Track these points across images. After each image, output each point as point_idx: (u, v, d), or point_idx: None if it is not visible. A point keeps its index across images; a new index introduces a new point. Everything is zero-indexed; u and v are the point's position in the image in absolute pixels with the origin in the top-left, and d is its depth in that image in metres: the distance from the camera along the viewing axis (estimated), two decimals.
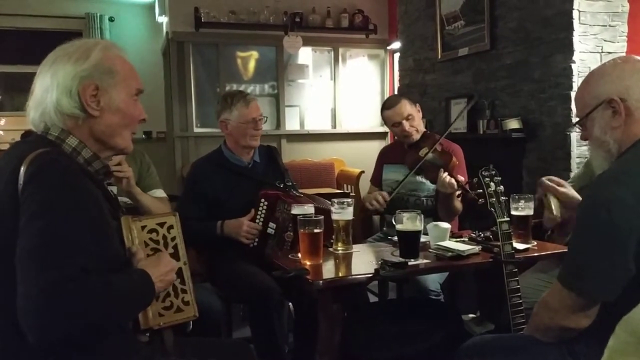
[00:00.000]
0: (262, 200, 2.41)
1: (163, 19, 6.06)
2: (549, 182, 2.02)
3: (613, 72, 1.42)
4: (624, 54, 3.29)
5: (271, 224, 2.39)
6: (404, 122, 2.70)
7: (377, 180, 2.96)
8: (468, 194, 2.28)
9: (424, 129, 2.82)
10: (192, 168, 2.74)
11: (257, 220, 2.41)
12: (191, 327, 1.48)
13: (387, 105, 2.79)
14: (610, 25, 3.30)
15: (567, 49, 3.27)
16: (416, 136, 2.74)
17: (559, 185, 2.01)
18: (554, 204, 2.04)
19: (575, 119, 1.55)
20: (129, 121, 1.37)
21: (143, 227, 1.38)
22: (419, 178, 2.73)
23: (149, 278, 1.26)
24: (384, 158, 2.98)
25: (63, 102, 1.26)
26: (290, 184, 2.57)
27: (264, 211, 2.41)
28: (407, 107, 2.73)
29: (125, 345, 1.26)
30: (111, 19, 6.36)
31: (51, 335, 1.07)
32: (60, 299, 1.05)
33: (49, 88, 1.26)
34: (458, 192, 2.54)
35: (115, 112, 1.33)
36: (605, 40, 3.29)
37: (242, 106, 2.55)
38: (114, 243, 1.27)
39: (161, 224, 1.42)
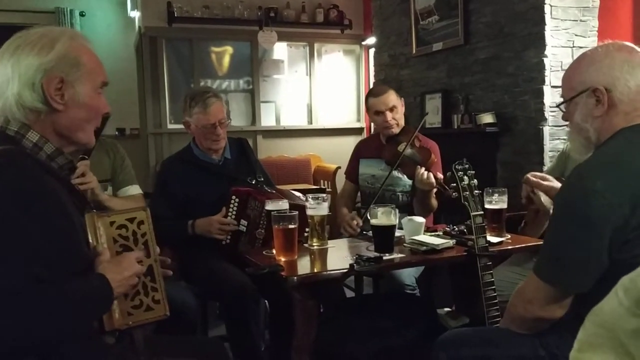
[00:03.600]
0: (233, 197, 2.38)
1: (135, 14, 5.96)
2: (535, 179, 2.01)
3: (604, 60, 1.39)
4: None
5: (243, 221, 2.36)
6: (387, 112, 2.69)
7: (352, 174, 2.93)
8: (446, 191, 2.28)
9: (404, 124, 2.81)
10: (161, 167, 2.68)
11: (229, 218, 2.38)
12: None
13: (374, 92, 2.78)
14: (581, 20, 3.34)
15: (540, 43, 3.30)
16: (396, 129, 2.73)
17: (543, 179, 2.01)
18: (544, 200, 2.05)
19: (560, 99, 1.53)
20: (94, 115, 1.31)
21: (112, 223, 1.33)
22: (396, 173, 2.72)
23: (108, 284, 1.20)
24: (360, 152, 2.95)
25: (25, 95, 1.20)
26: (262, 179, 2.53)
27: (235, 208, 2.38)
28: (393, 98, 2.72)
29: (91, 346, 1.22)
30: (82, 14, 6.22)
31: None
32: (10, 310, 1.01)
33: (10, 79, 1.19)
34: (435, 189, 2.54)
35: (80, 107, 1.26)
36: (576, 35, 3.33)
37: (199, 111, 2.45)
38: (77, 245, 1.21)
39: (131, 220, 1.36)
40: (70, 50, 1.24)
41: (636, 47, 1.43)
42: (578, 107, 1.44)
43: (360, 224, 2.58)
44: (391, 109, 2.70)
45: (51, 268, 1.09)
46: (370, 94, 2.80)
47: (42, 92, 1.20)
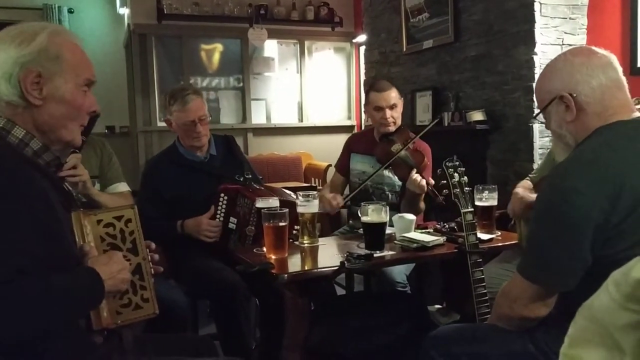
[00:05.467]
0: (222, 195, 2.37)
1: (124, 11, 5.92)
2: (523, 205, 2.06)
3: (564, 68, 1.44)
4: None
5: (232, 219, 2.35)
6: (387, 109, 2.69)
7: (342, 168, 2.92)
8: (436, 198, 2.29)
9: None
10: (146, 166, 2.66)
11: (218, 216, 2.36)
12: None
13: (377, 87, 2.76)
14: (570, 18, 3.35)
15: (529, 41, 3.31)
16: (392, 128, 2.72)
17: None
18: (524, 233, 2.06)
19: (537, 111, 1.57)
20: (76, 113, 1.27)
21: (99, 222, 1.31)
22: (387, 172, 2.72)
23: (98, 276, 1.19)
24: (352, 146, 2.93)
25: (1, 88, 1.18)
26: (250, 176, 2.51)
27: (224, 206, 2.36)
28: (394, 96, 2.71)
29: (78, 345, 1.20)
30: (70, 11, 6.16)
31: None
32: None
33: None
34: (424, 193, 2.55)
35: (60, 103, 1.23)
36: (565, 33, 3.34)
37: (179, 109, 2.42)
38: (64, 240, 1.19)
39: (118, 218, 1.35)
40: (50, 45, 1.21)
41: (595, 49, 1.47)
42: (552, 116, 1.48)
43: (341, 203, 2.59)
44: (391, 107, 2.70)
45: (35, 261, 1.07)
46: (373, 88, 2.79)
47: (18, 85, 1.18)
